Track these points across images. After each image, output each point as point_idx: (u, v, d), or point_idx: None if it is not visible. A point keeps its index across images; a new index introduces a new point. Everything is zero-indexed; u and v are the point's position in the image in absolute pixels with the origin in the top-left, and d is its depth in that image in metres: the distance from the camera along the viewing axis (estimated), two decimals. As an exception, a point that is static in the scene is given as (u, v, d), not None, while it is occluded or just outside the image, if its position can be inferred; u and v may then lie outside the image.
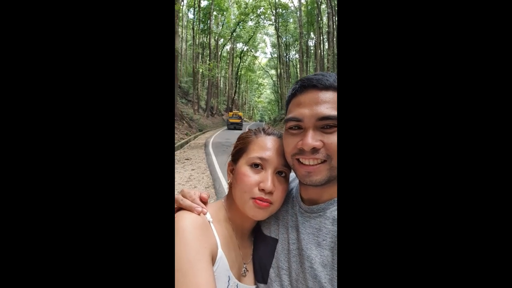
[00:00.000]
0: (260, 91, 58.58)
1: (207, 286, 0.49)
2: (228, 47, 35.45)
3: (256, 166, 0.63)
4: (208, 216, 0.62)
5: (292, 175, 0.69)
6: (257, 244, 0.72)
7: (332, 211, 0.59)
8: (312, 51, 28.81)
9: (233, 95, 36.81)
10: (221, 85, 37.50)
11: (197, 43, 25.16)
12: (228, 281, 0.60)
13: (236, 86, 37.80)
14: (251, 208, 0.61)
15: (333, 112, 0.54)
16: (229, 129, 20.92)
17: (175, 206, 0.62)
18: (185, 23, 28.21)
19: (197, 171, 5.91)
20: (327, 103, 0.55)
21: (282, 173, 0.64)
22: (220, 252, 0.59)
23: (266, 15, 29.38)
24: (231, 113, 23.66)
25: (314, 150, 0.54)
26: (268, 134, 0.68)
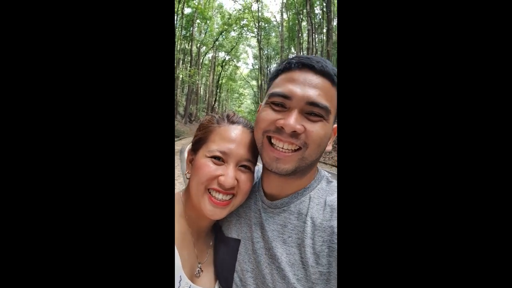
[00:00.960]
0: (240, 100, 58.85)
1: None
2: (210, 55, 35.47)
3: (216, 159, 0.57)
4: None
5: (256, 168, 0.63)
6: (218, 246, 0.65)
7: (297, 205, 0.56)
8: (292, 65, 29.63)
9: (213, 103, 36.56)
10: (202, 92, 37.14)
11: (178, 49, 24.87)
12: (179, 282, 0.56)
13: (217, 94, 37.66)
14: (206, 205, 0.56)
15: (323, 102, 0.51)
16: None
17: None
18: (167, 28, 27.82)
19: (169, 178, 5.65)
20: (320, 90, 0.52)
21: (245, 166, 0.59)
22: None
23: (249, 27, 29.97)
24: None
25: (294, 134, 0.50)
26: (233, 122, 0.61)
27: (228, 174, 0.56)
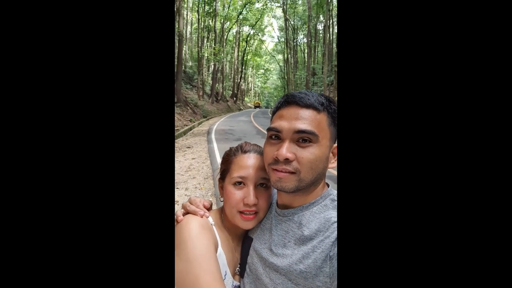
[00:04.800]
0: (266, 76, 57.57)
1: (218, 272, 0.61)
2: (234, 30, 34.50)
3: (238, 183, 0.72)
4: (211, 219, 0.73)
5: None
6: (243, 243, 0.82)
7: (300, 216, 0.67)
8: (321, 35, 27.78)
9: (238, 80, 36.26)
10: (227, 70, 36.92)
11: (202, 26, 24.54)
12: (225, 275, 0.70)
13: (242, 71, 37.16)
14: (239, 221, 0.72)
15: (308, 128, 0.62)
16: (255, 108, 39.44)
17: (183, 212, 0.72)
18: (190, 5, 27.40)
19: (198, 160, 5.90)
20: (305, 119, 0.62)
21: (263, 185, 0.73)
22: (220, 250, 0.70)
23: (274, -3, 28.21)
24: (255, 101, 46.12)
25: (287, 161, 0.62)
26: (245, 152, 0.76)
27: (250, 194, 0.70)
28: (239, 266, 0.76)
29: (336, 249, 0.55)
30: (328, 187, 0.71)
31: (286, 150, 0.61)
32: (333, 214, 0.63)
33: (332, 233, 0.58)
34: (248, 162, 0.73)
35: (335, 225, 0.58)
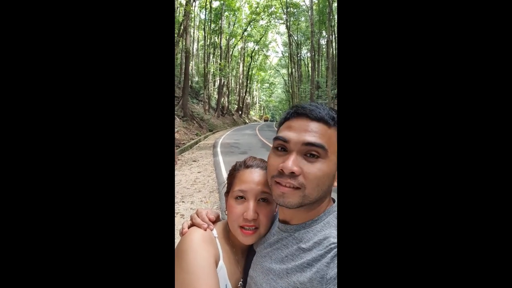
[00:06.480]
0: (271, 90, 58.40)
1: (215, 285, 0.61)
2: (239, 46, 35.53)
3: (240, 197, 0.72)
4: (215, 232, 0.74)
5: None
6: (247, 256, 0.81)
7: (301, 233, 0.64)
8: (324, 50, 28.38)
9: (244, 94, 36.89)
10: (232, 85, 37.66)
11: (208, 43, 25.39)
12: None
13: (247, 85, 37.86)
14: (240, 235, 0.72)
15: (318, 141, 0.58)
16: (264, 121, 43.70)
17: (190, 223, 0.74)
18: (197, 23, 28.50)
19: (203, 173, 5.97)
20: (314, 133, 0.58)
21: (265, 200, 0.72)
22: (221, 263, 0.70)
23: (277, 14, 29.19)
24: (265, 116, 51.27)
25: (292, 174, 0.57)
26: (247, 166, 0.76)
27: (249, 208, 0.69)
28: (241, 280, 0.76)
29: (332, 272, 0.52)
30: (334, 202, 0.67)
31: (292, 163, 0.57)
32: (333, 233, 0.59)
33: (328, 253, 0.55)
34: (250, 177, 0.72)
35: (332, 246, 0.56)
